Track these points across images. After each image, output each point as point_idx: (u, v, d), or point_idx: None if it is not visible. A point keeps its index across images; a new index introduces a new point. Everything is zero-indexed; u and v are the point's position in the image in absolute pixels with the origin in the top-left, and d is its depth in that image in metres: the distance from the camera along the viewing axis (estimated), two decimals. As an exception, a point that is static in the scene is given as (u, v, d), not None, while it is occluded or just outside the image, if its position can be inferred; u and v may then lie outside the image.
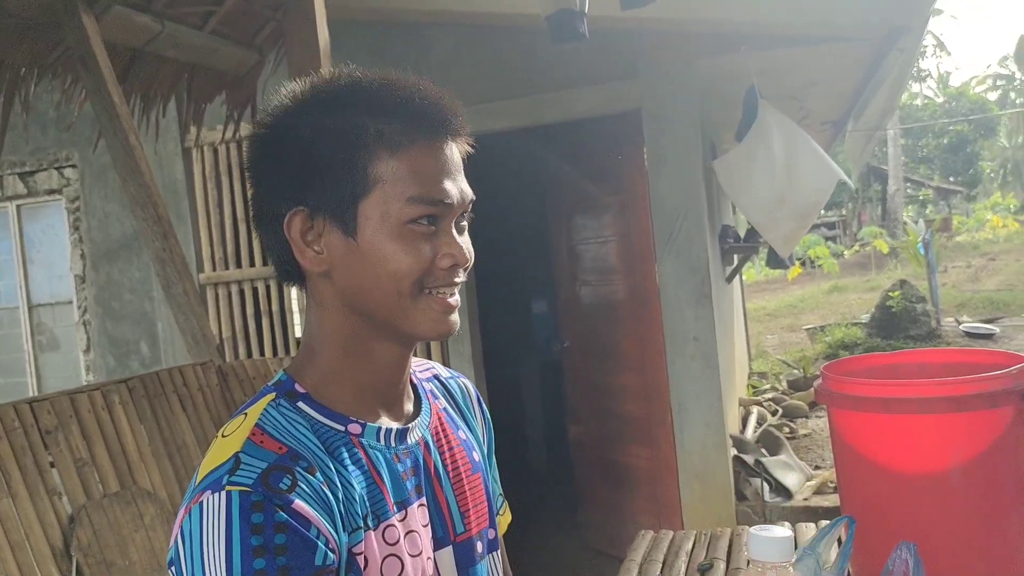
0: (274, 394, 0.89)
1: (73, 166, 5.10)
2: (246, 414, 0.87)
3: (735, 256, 6.29)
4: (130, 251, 5.02)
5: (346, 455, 0.86)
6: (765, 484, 4.18)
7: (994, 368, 1.50)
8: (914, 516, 1.43)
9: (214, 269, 4.85)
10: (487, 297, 6.39)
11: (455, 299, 0.90)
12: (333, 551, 0.79)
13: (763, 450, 4.61)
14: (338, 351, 0.91)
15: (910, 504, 1.43)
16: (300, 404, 0.88)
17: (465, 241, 0.91)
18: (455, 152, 0.90)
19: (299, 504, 0.77)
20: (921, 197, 33.77)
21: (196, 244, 4.84)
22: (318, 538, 0.77)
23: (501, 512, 1.19)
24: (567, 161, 4.81)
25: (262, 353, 4.77)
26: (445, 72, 4.32)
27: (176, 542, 0.77)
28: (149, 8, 3.30)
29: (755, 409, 6.07)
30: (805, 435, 6.11)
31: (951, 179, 36.33)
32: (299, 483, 0.79)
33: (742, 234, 6.04)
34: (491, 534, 1.05)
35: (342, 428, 0.87)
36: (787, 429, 5.99)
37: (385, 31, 4.41)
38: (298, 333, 4.97)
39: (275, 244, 0.90)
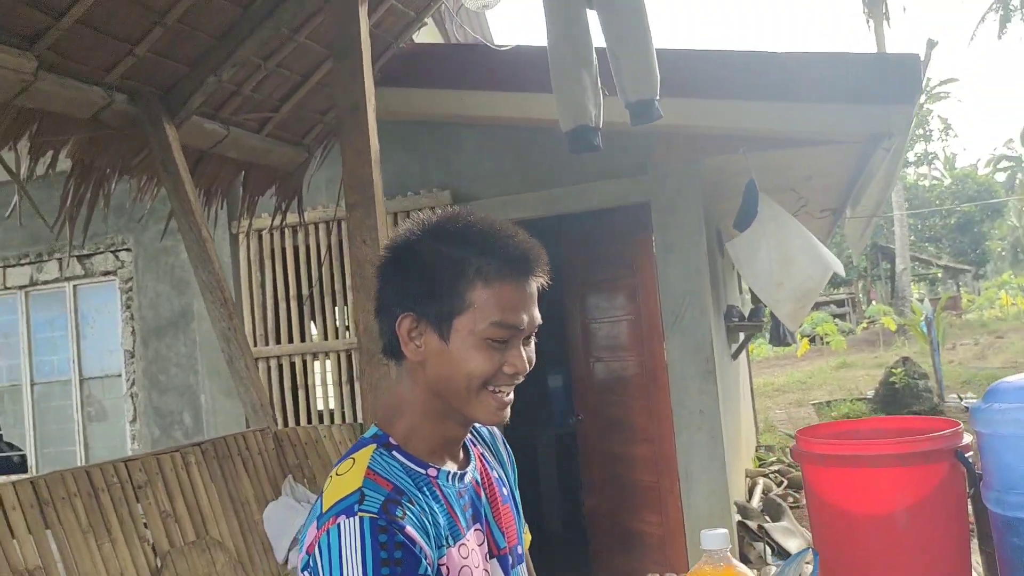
0: (375, 445, 1.18)
1: (128, 249, 5.55)
2: (354, 459, 1.15)
3: (740, 334, 6.65)
4: (177, 328, 5.43)
5: (428, 492, 1.19)
6: (767, 548, 4.46)
7: (935, 431, 1.86)
8: (868, 551, 1.77)
9: (254, 344, 5.23)
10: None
11: (510, 397, 1.18)
12: (430, 564, 1.10)
13: (766, 517, 4.89)
14: (420, 415, 1.20)
15: (864, 541, 1.77)
16: (395, 453, 1.17)
17: (530, 352, 1.19)
18: (533, 287, 1.18)
19: (409, 529, 1.08)
20: (930, 275, 34.08)
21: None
22: (421, 553, 1.09)
23: (525, 532, 1.58)
24: (582, 247, 5.22)
25: (297, 421, 5.12)
26: (473, 166, 4.78)
27: (314, 554, 1.07)
28: (217, 116, 3.77)
29: (761, 480, 6.35)
30: (809, 505, 6.35)
31: (959, 258, 36.65)
32: (407, 512, 1.11)
33: (746, 313, 6.41)
34: (520, 549, 1.40)
35: (424, 472, 1.19)
36: (791, 498, 6.25)
37: (416, 127, 4.87)
38: (319, 405, 5.33)
39: (387, 331, 1.20)
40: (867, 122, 3.76)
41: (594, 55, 2.90)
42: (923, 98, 48.11)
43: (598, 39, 2.90)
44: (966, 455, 1.76)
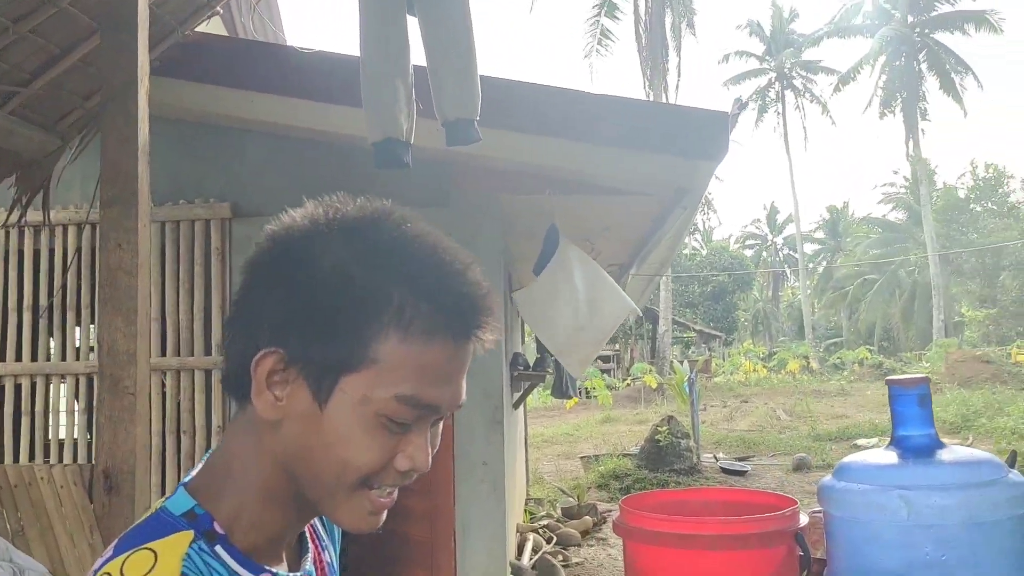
0: (191, 533, 0.79)
1: None
2: (154, 552, 0.76)
3: (524, 383, 6.52)
4: None
5: None
6: (542, 612, 4.24)
7: (768, 509, 1.67)
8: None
9: (-30, 360, 4.40)
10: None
11: (391, 499, 0.83)
12: None
13: (541, 578, 4.69)
14: (260, 498, 0.82)
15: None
16: (218, 549, 0.79)
17: (435, 439, 0.83)
18: (469, 354, 0.82)
19: None
20: (686, 338, 36.45)
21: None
22: None
23: None
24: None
25: (17, 454, 4.33)
26: (258, 178, 4.30)
27: None
28: (-57, 79, 3.10)
29: (531, 536, 6.18)
30: (578, 563, 6.26)
31: (711, 324, 39.54)
32: None
33: (531, 362, 6.29)
34: None
35: None
36: (561, 557, 6.12)
37: (195, 129, 4.34)
38: (61, 434, 4.57)
39: (235, 358, 0.81)
40: (672, 174, 3.72)
41: (411, 65, 2.62)
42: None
43: (417, 55, 2.63)
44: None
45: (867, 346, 33.99)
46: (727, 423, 17.34)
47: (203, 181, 4.31)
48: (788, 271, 52.28)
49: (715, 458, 11.40)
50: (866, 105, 35.77)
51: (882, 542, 1.39)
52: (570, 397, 6.86)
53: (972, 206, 37.85)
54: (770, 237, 57.10)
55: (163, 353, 4.20)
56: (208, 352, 4.19)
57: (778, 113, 40.55)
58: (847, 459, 1.52)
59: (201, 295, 4.20)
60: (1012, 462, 2.39)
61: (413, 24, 2.65)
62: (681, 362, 23.26)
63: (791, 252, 51.16)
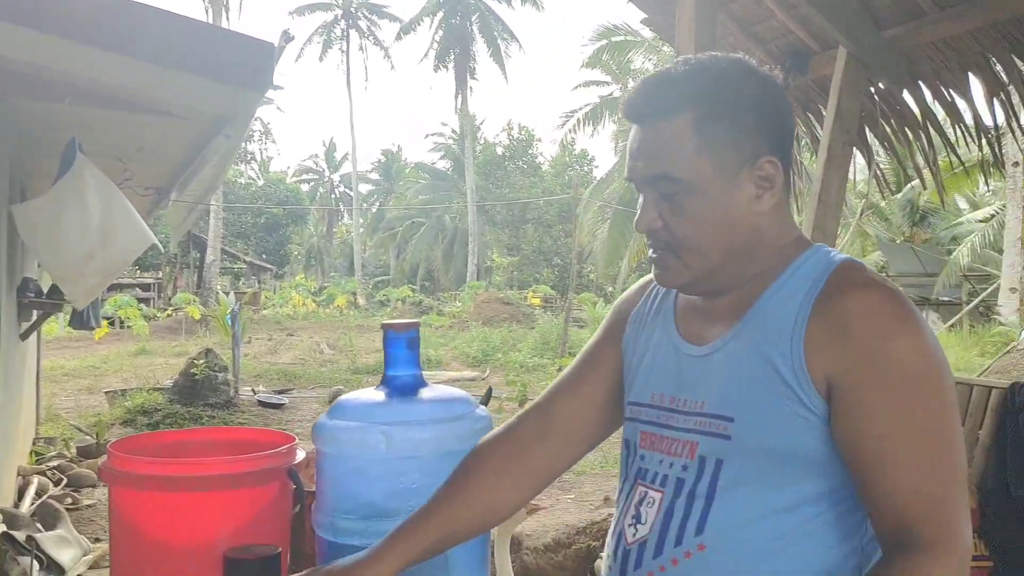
0: None
1: None
2: None
3: (35, 312, 5.82)
4: None
5: None
6: (35, 562, 3.87)
7: (271, 446, 1.68)
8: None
9: None
10: None
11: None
12: None
13: (39, 525, 4.27)
14: None
15: (178, 571, 1.50)
16: None
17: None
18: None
19: None
20: (236, 269, 35.55)
21: None
22: None
23: None
24: None
25: None
26: None
27: None
28: None
29: (36, 479, 5.60)
30: (89, 505, 5.83)
31: (264, 256, 39.04)
32: None
33: (46, 289, 5.62)
34: None
35: None
36: (70, 500, 5.65)
37: None
38: None
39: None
40: (214, 101, 3.52)
41: None
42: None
43: None
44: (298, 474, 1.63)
45: (411, 285, 36.23)
46: (271, 356, 17.30)
47: None
48: (343, 209, 53.45)
49: (253, 391, 11.32)
50: (423, 56, 37.58)
51: (366, 475, 1.47)
52: (92, 328, 6.28)
53: (507, 163, 41.93)
54: (327, 173, 57.73)
55: None
56: None
57: (342, 51, 40.95)
58: (341, 398, 1.58)
59: None
60: (486, 399, 2.69)
61: None
62: (227, 293, 22.63)
63: (347, 190, 52.28)
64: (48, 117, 3.74)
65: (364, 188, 53.10)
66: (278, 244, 41.07)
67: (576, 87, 35.05)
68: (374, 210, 51.01)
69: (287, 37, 3.44)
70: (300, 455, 1.66)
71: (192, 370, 9.83)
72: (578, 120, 30.66)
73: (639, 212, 1.18)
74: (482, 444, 1.38)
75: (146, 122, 4.12)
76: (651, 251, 1.20)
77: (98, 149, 4.52)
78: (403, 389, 1.53)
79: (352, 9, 41.14)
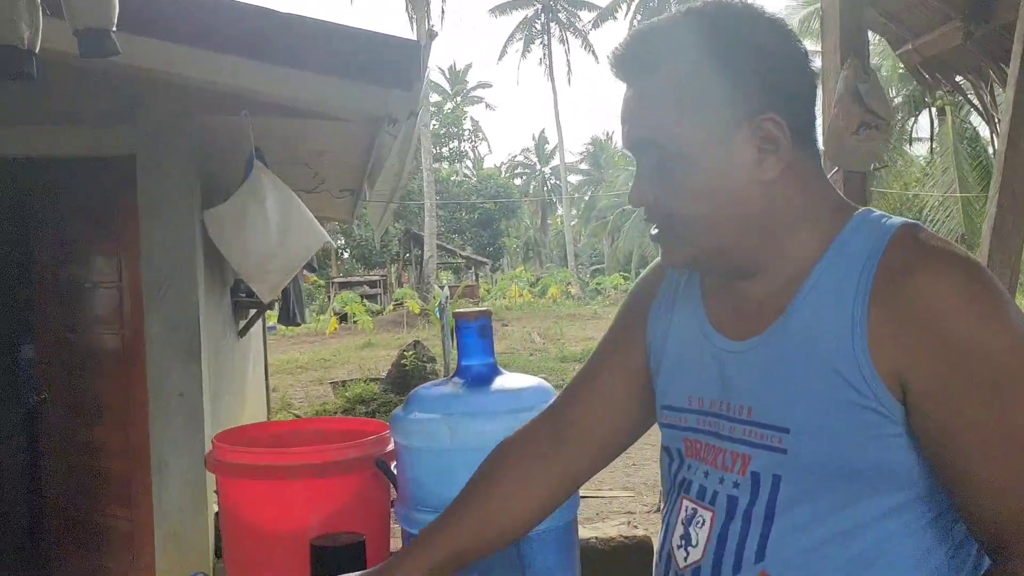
0: None
1: None
2: None
3: (250, 311, 6.32)
4: None
5: None
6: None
7: (365, 436, 1.70)
8: (279, 570, 1.54)
9: None
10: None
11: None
12: None
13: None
14: None
15: (276, 558, 1.55)
16: None
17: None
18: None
19: None
20: (455, 264, 37.04)
21: None
22: None
23: None
24: (55, 201, 4.47)
25: None
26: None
27: None
28: None
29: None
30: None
31: (479, 251, 40.39)
32: None
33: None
34: None
35: None
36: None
37: None
38: None
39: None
40: (366, 102, 3.65)
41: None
42: (459, 99, 52.39)
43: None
44: (391, 465, 1.63)
45: (623, 273, 36.14)
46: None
47: None
48: (555, 200, 54.23)
49: (462, 381, 11.71)
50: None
51: (436, 467, 1.45)
52: (298, 324, 6.75)
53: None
54: (539, 167, 58.77)
55: None
56: None
57: (544, 45, 41.46)
58: (418, 390, 1.57)
59: None
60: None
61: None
62: (442, 287, 23.64)
63: (559, 182, 53.05)
64: (229, 129, 4.02)
65: (575, 178, 53.61)
66: (492, 238, 42.32)
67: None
68: (586, 199, 51.34)
69: (432, 34, 3.50)
70: (391, 445, 1.67)
71: (403, 361, 10.33)
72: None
73: (632, 183, 1.05)
74: (495, 453, 1.25)
75: (318, 128, 4.36)
76: (652, 228, 1.06)
77: (283, 156, 4.83)
78: (477, 379, 1.49)
79: (551, 2, 41.56)
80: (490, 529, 1.18)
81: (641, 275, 1.27)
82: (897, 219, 0.98)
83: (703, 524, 1.04)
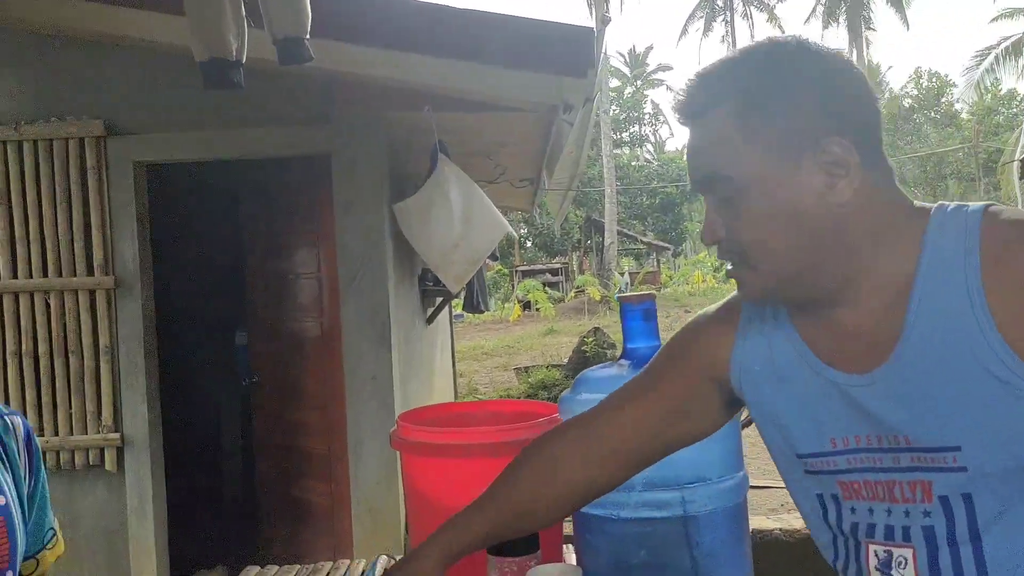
0: None
1: None
2: None
3: (437, 299, 6.58)
4: None
5: None
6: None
7: (536, 417, 1.76)
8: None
9: None
10: (187, 327, 6.23)
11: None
12: None
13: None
14: None
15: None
16: None
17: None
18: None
19: None
20: (637, 250, 36.77)
21: None
22: None
23: (51, 546, 1.28)
24: (262, 198, 4.85)
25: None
26: (131, 95, 4.22)
27: None
28: None
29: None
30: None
31: (661, 236, 39.86)
32: None
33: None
34: (9, 575, 1.11)
35: None
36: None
37: (61, 44, 4.20)
38: None
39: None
40: (540, 91, 3.72)
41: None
42: (639, 82, 51.77)
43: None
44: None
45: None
46: (666, 333, 17.62)
47: (73, 98, 4.21)
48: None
49: (643, 367, 11.66)
50: (809, 13, 35.66)
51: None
52: (482, 311, 6.97)
53: (915, 115, 38.18)
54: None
55: (44, 274, 4.18)
56: (90, 272, 4.17)
57: (726, 22, 40.22)
58: (585, 372, 1.61)
59: (80, 215, 4.16)
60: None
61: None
62: (622, 274, 23.55)
63: (742, 163, 51.34)
64: (415, 123, 4.21)
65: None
66: (674, 222, 41.65)
67: (994, 18, 30.50)
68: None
69: (605, 20, 3.52)
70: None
71: (583, 347, 10.41)
72: (996, 57, 26.84)
73: (703, 223, 1.06)
74: (534, 444, 1.34)
75: (497, 119, 4.47)
76: (727, 264, 1.06)
77: (466, 149, 5.00)
78: (642, 361, 1.50)
79: (733, -23, 40.30)
80: (518, 516, 1.29)
81: (705, 313, 1.29)
82: (975, 205, 0.97)
83: (905, 564, 1.00)
